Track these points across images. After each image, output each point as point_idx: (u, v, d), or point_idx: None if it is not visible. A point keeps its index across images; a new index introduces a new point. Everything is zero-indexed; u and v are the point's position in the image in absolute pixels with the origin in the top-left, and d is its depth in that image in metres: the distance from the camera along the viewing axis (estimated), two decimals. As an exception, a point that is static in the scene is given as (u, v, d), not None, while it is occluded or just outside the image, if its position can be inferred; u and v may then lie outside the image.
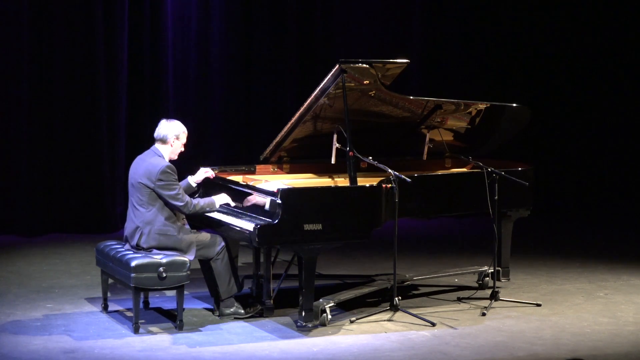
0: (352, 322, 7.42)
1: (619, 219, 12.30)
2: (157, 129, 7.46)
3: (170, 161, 7.40)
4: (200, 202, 7.42)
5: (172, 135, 7.43)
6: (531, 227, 10.93)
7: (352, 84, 7.72)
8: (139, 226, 7.30)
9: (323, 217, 7.20)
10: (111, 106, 10.87)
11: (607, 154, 13.13)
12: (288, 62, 11.75)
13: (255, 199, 7.45)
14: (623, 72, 13.06)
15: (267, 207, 7.31)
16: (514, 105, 8.71)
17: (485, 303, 7.95)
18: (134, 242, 7.31)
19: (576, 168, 13.01)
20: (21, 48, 10.51)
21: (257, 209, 7.43)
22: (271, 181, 7.90)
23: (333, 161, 7.88)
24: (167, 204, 7.30)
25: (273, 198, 7.20)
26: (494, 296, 8.01)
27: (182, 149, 7.53)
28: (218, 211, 7.55)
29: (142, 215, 7.30)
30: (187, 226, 7.48)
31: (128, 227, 7.40)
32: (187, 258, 7.23)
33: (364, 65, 7.59)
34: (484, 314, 7.72)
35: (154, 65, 11.12)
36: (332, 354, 6.76)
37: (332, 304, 7.46)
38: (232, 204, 7.56)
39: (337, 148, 7.82)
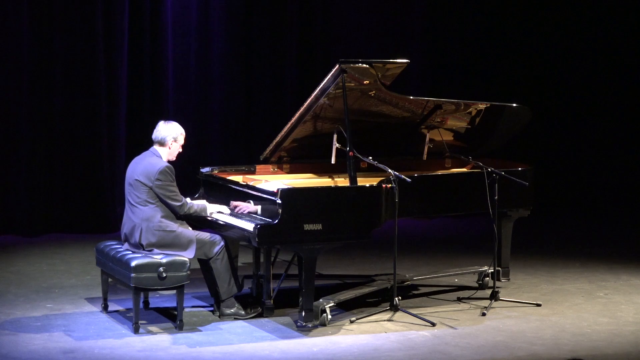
0: (352, 322, 7.42)
1: (619, 219, 12.30)
2: (155, 130, 7.47)
3: (169, 162, 7.41)
4: (194, 205, 7.43)
5: (170, 138, 7.43)
6: (531, 227, 10.93)
7: (352, 84, 7.71)
8: (137, 223, 7.30)
9: (323, 217, 7.20)
10: (111, 106, 10.85)
11: (607, 154, 13.12)
12: (288, 62, 11.74)
13: (248, 207, 7.46)
14: (623, 72, 13.05)
15: (258, 212, 7.34)
16: (514, 105, 8.70)
17: (485, 303, 7.95)
18: (134, 240, 7.31)
19: (576, 168, 12.99)
20: (21, 48, 10.48)
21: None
22: (271, 181, 7.89)
23: (333, 161, 7.87)
24: (164, 202, 7.31)
25: (270, 197, 7.20)
26: (494, 296, 8.00)
27: (180, 151, 7.54)
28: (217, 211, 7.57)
29: (141, 213, 7.29)
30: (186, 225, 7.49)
31: (127, 226, 7.40)
32: (187, 256, 7.23)
33: (364, 65, 7.58)
34: (484, 314, 7.72)
35: (154, 66, 11.10)
36: (332, 354, 6.76)
37: (332, 304, 7.45)
38: (225, 217, 7.53)
39: (337, 148, 7.82)
